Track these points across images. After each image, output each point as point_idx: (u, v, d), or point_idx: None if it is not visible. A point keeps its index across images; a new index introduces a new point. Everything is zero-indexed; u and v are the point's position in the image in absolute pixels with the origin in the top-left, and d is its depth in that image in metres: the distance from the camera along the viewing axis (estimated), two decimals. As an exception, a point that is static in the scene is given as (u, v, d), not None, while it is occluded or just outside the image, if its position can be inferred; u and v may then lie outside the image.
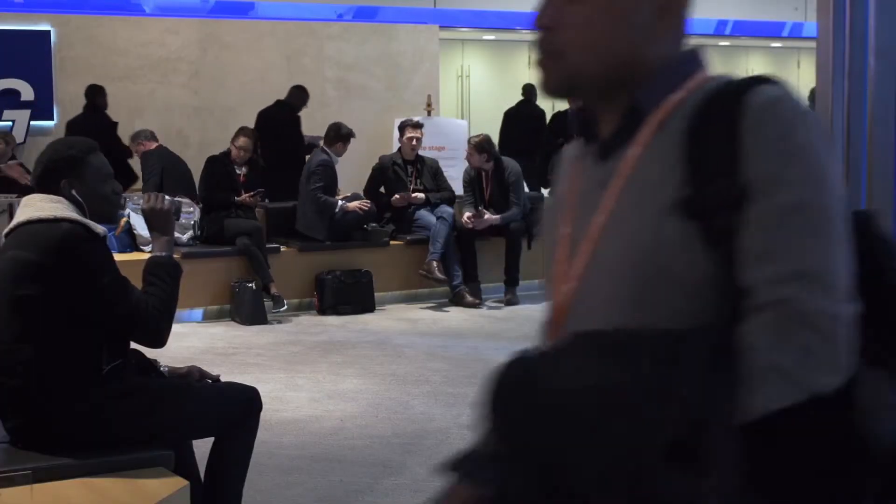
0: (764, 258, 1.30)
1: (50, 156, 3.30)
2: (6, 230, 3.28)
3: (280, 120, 10.49)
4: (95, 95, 10.53)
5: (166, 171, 9.05)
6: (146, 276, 3.26)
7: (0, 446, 3.21)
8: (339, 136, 9.01)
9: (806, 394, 1.27)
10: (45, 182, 3.27)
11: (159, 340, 3.23)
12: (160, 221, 3.34)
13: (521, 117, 12.02)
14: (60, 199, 3.22)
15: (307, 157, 9.64)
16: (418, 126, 9.41)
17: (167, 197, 3.41)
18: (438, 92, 13.32)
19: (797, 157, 1.31)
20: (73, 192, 3.25)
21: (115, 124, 10.46)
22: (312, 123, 10.86)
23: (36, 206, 3.21)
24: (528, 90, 12.09)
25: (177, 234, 8.31)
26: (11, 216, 9.22)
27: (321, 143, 9.19)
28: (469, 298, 8.76)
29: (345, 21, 12.87)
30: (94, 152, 3.33)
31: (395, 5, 13.43)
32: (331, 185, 8.96)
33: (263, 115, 10.61)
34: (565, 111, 11.72)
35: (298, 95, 10.85)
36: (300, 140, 10.59)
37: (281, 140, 10.19)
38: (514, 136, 11.73)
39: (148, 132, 9.70)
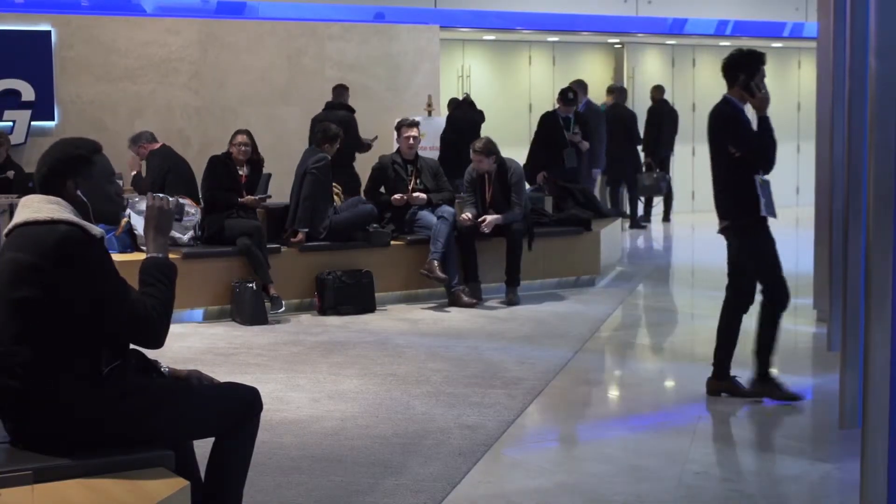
0: None
1: (56, 156, 3.28)
2: (6, 230, 3.28)
3: (474, 119, 11.92)
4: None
5: (170, 170, 9.05)
6: (143, 277, 3.25)
7: (0, 446, 3.21)
8: (327, 137, 8.96)
9: None
10: (50, 182, 3.26)
11: (157, 341, 3.22)
12: (163, 221, 3.34)
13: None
14: (59, 199, 3.21)
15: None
16: (414, 125, 9.38)
17: (171, 198, 3.41)
18: (439, 92, 13.32)
19: None
20: (79, 192, 3.26)
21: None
22: (312, 123, 10.85)
23: (33, 208, 3.20)
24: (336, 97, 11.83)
25: (177, 234, 8.32)
26: (12, 216, 9.27)
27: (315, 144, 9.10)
28: (465, 299, 8.74)
29: (345, 21, 12.88)
30: (99, 152, 3.34)
31: (396, 5, 13.44)
32: (329, 184, 8.93)
33: (455, 118, 11.89)
34: (554, 111, 11.67)
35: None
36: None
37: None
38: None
39: (148, 134, 9.68)
